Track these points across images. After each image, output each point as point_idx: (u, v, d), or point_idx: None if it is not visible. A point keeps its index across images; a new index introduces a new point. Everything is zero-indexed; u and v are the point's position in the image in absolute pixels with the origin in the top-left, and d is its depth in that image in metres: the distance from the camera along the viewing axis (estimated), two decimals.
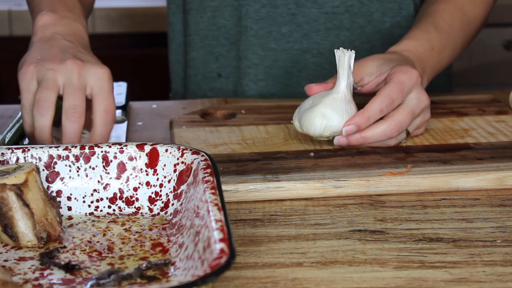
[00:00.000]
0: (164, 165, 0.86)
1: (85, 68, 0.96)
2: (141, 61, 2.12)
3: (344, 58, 0.98)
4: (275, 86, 1.32)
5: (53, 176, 0.86)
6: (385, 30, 1.29)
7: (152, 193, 0.86)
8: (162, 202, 0.86)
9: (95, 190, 0.87)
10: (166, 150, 0.86)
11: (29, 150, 0.86)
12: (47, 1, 1.07)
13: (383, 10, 1.29)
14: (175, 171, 0.86)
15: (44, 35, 1.01)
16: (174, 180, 0.85)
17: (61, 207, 0.86)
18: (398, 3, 1.29)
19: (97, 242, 0.80)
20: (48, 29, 1.02)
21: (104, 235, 0.82)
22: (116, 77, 1.53)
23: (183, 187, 0.84)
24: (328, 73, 1.30)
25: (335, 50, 0.99)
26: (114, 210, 0.86)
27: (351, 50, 0.99)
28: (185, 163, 0.85)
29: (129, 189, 0.87)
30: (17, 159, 0.86)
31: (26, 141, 1.05)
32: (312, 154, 1.00)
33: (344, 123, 0.98)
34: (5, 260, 0.77)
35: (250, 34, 1.29)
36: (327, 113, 0.98)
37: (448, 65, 1.17)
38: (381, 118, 0.99)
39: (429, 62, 1.09)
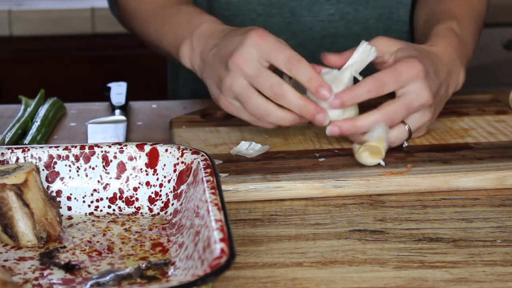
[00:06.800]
0: (164, 165, 0.86)
1: None
2: (141, 61, 2.12)
3: (361, 47, 0.96)
4: None
5: (53, 176, 0.86)
6: None
7: (152, 193, 0.86)
8: (162, 202, 0.86)
9: (95, 190, 0.87)
10: (166, 150, 0.86)
11: (29, 150, 0.86)
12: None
13: (378, 16, 1.29)
14: (175, 171, 0.86)
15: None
16: (174, 180, 0.85)
17: (61, 207, 0.85)
18: (388, 8, 1.29)
19: (97, 242, 0.80)
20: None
21: (104, 235, 0.82)
22: (116, 77, 1.53)
23: (183, 187, 0.84)
24: None
25: (362, 40, 0.97)
26: (114, 210, 0.86)
27: (372, 49, 0.96)
28: (185, 163, 0.85)
29: (129, 189, 0.87)
30: (17, 159, 0.86)
31: (26, 141, 1.05)
32: (317, 155, 0.99)
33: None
34: (5, 260, 0.77)
35: None
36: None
37: None
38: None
39: (464, 57, 1.08)
